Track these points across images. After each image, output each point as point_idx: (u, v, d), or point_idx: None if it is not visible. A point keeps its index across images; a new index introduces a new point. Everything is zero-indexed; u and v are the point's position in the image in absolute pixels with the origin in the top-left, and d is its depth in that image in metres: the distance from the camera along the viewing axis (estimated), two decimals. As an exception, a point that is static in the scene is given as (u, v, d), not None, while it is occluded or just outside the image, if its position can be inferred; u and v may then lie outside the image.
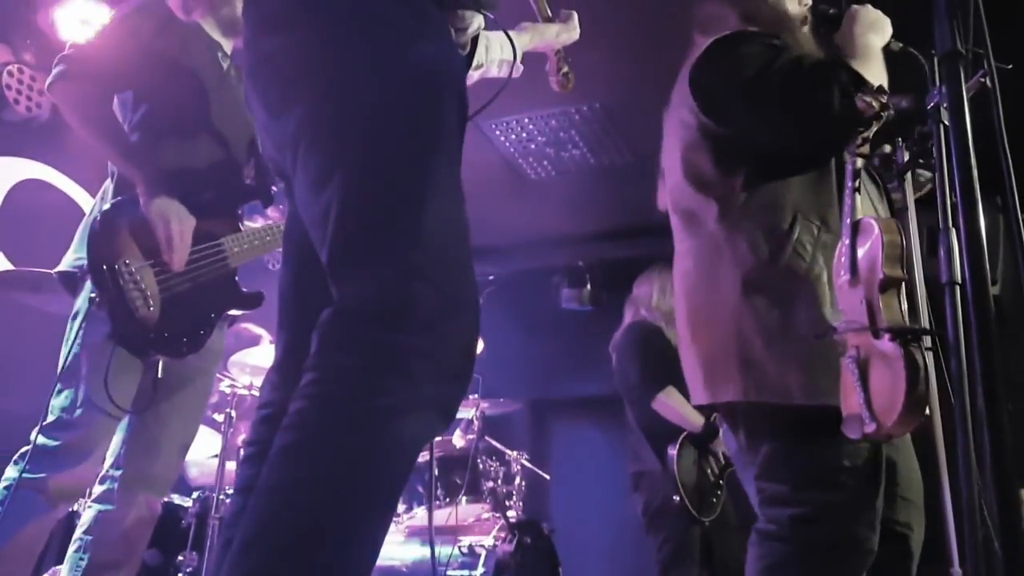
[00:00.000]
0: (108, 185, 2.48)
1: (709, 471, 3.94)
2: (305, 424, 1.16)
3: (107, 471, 2.43)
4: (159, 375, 2.40)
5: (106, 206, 2.35)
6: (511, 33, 1.91)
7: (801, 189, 1.98)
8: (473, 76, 1.93)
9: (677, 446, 3.81)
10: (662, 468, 3.86)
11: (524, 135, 5.34)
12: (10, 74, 4.04)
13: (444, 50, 1.39)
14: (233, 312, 2.53)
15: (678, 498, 3.77)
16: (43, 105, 4.15)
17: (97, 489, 2.42)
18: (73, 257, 2.46)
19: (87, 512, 2.42)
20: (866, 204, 2.10)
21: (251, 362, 3.79)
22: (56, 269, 2.49)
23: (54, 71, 2.35)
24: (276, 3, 1.40)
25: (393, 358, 1.17)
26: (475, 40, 1.62)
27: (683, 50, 2.25)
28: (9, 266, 3.62)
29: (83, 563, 2.32)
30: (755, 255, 1.96)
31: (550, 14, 2.18)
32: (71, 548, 2.37)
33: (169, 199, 2.32)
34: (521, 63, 1.98)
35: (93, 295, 2.27)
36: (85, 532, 2.38)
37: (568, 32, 2.17)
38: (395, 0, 1.36)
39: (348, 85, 1.30)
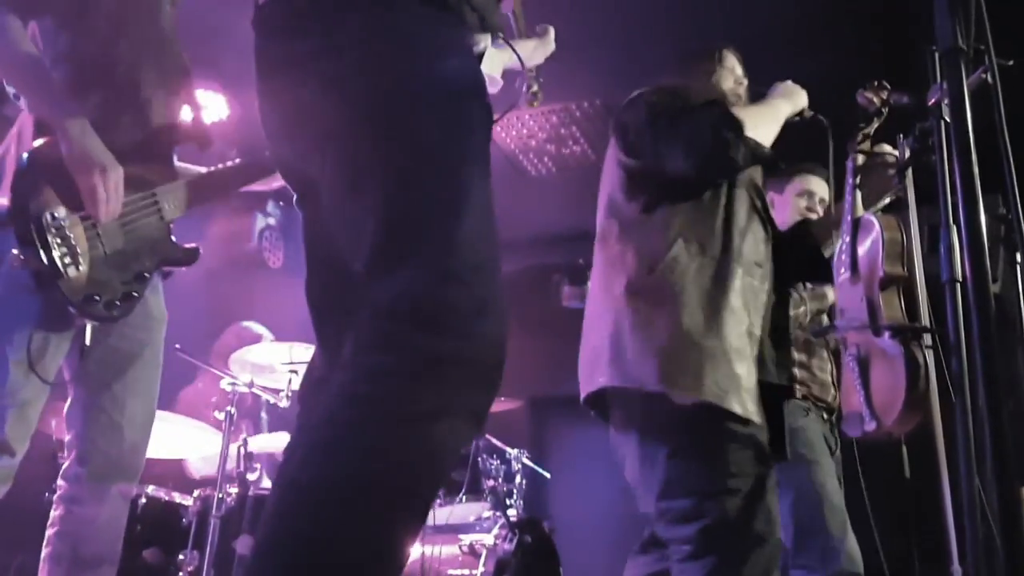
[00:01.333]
0: (25, 120, 2.18)
1: None
2: (337, 423, 1.16)
3: (71, 468, 2.27)
4: (87, 342, 2.16)
5: (33, 146, 2.05)
6: (492, 50, 1.94)
7: (687, 217, 2.22)
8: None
9: None
10: None
11: (525, 131, 5.33)
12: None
13: (466, 61, 1.42)
14: (167, 268, 2.31)
15: None
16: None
17: (63, 485, 2.26)
18: None
19: (56, 510, 2.25)
20: (754, 241, 2.27)
21: (252, 360, 3.78)
22: None
23: None
24: (296, 6, 1.40)
25: (429, 363, 1.16)
26: (480, 57, 1.64)
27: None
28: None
29: (61, 563, 2.19)
30: (638, 266, 2.20)
31: (525, 31, 2.20)
32: (44, 549, 2.22)
33: (95, 143, 2.06)
34: (501, 79, 2.03)
35: (15, 251, 1.99)
36: (58, 533, 2.22)
37: (543, 48, 2.21)
38: (421, 16, 1.37)
39: (377, 93, 1.31)
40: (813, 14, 3.89)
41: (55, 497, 2.29)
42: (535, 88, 2.21)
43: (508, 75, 2.06)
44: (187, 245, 2.31)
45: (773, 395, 2.17)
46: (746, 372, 2.09)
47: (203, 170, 2.40)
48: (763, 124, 2.26)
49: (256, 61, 1.46)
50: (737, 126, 2.17)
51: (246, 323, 4.49)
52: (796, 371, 3.01)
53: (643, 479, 2.14)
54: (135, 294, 2.19)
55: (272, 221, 5.52)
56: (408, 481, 1.15)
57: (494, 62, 2.02)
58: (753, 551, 1.98)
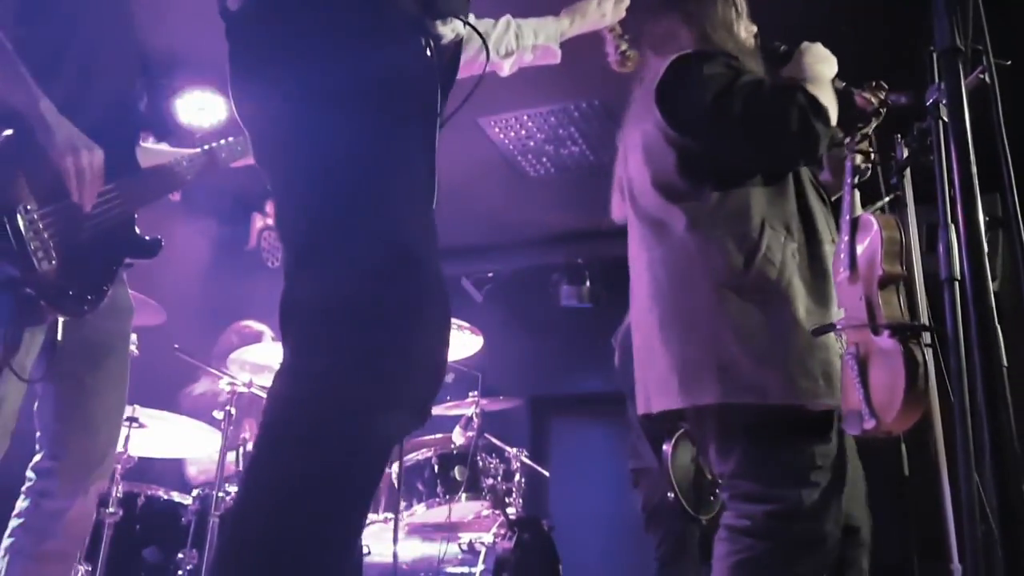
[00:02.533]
0: None
1: (707, 468, 3.94)
2: (276, 425, 1.17)
3: (43, 462, 2.23)
4: (59, 337, 2.13)
5: (1, 136, 1.99)
6: (549, 19, 1.92)
7: (766, 200, 2.04)
8: (505, 65, 1.93)
9: (672, 442, 3.79)
10: (660, 465, 3.86)
11: (523, 132, 5.33)
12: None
13: (403, 55, 1.40)
14: (129, 260, 2.26)
15: (672, 495, 3.77)
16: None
17: (32, 478, 2.24)
18: None
19: (23, 502, 2.22)
20: (825, 219, 2.15)
21: (251, 359, 3.78)
22: None
23: None
24: (250, 9, 1.42)
25: (362, 359, 1.18)
26: (459, 44, 1.63)
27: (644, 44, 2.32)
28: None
29: (21, 554, 2.16)
30: (728, 262, 2.01)
31: None
32: (6, 539, 2.19)
33: (71, 127, 2.02)
34: (559, 48, 1.98)
35: None
36: (23, 526, 2.19)
37: (617, 6, 2.13)
38: (356, 8, 1.37)
39: (305, 92, 1.32)
40: (811, 15, 3.89)
41: (23, 488, 2.25)
42: (623, 48, 2.12)
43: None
44: (148, 236, 2.27)
45: None
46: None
47: (164, 158, 2.35)
48: (833, 104, 2.08)
49: (228, 60, 1.48)
50: (827, 117, 2.00)
51: (246, 322, 4.49)
52: None
53: (720, 460, 2.03)
54: (105, 287, 2.16)
55: (271, 221, 5.52)
56: (351, 475, 1.16)
57: (548, 32, 1.97)
58: (814, 548, 1.91)
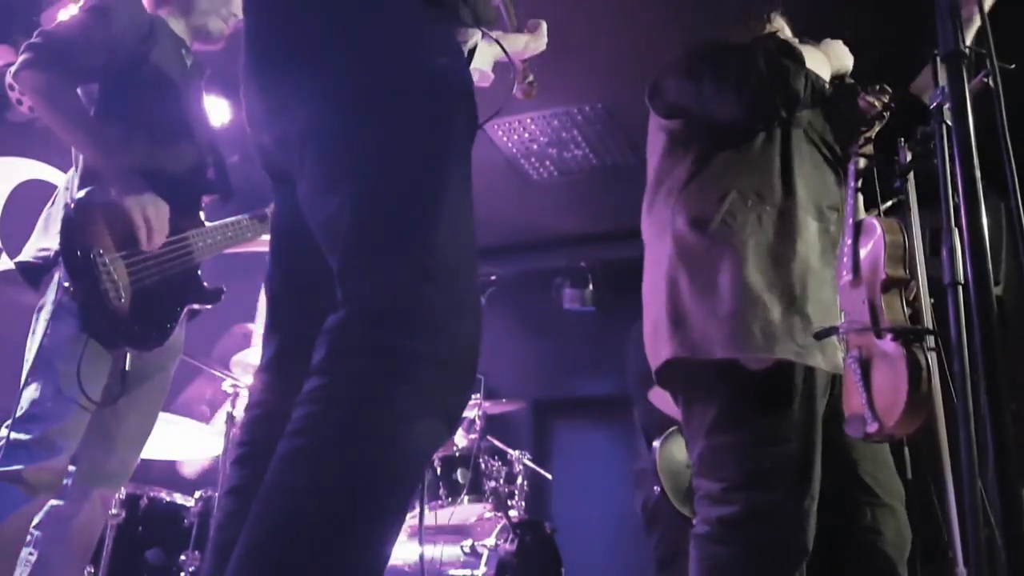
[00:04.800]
0: (73, 174, 2.43)
1: None
2: (314, 429, 1.15)
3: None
4: (127, 368, 2.37)
5: (79, 195, 2.31)
6: (483, 44, 1.93)
7: (740, 169, 2.08)
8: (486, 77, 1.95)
9: (663, 439, 3.77)
10: (649, 459, 3.85)
11: (527, 136, 5.34)
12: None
13: (454, 60, 1.40)
14: (195, 307, 2.52)
15: (659, 489, 3.76)
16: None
17: None
18: (36, 248, 2.41)
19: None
20: (822, 183, 2.15)
21: (253, 362, 3.78)
22: (17, 259, 2.43)
23: (20, 58, 2.30)
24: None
25: (402, 363, 1.16)
26: (472, 52, 1.63)
27: (679, 48, 2.35)
28: (11, 266, 3.63)
29: (32, 558, 2.28)
30: (689, 225, 2.06)
31: (518, 24, 2.19)
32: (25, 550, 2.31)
33: (143, 185, 2.31)
34: (492, 72, 2.02)
35: (67, 284, 2.24)
36: (35, 527, 2.33)
37: (536, 42, 2.20)
38: (411, 11, 1.36)
39: (362, 89, 1.30)
40: (813, 16, 3.89)
41: None
42: (530, 78, 2.18)
43: (500, 70, 2.06)
44: (210, 286, 2.53)
45: None
46: (830, 324, 1.95)
47: (223, 221, 2.62)
48: (820, 63, 2.11)
49: (246, 44, 1.45)
50: (797, 54, 2.02)
51: (243, 324, 4.50)
52: None
53: (692, 425, 2.04)
54: (169, 326, 2.40)
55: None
56: (390, 481, 1.15)
57: (484, 56, 2.02)
58: (778, 552, 1.89)
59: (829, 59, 2.18)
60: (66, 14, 4.00)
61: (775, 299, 1.94)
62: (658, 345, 2.07)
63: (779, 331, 1.93)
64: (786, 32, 2.34)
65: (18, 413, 2.23)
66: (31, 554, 2.29)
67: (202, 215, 2.56)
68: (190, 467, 4.08)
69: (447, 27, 1.42)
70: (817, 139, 2.17)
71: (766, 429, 1.92)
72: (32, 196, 4.12)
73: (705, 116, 2.13)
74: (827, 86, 2.09)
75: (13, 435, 2.21)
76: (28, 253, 2.42)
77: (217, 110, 4.35)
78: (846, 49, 2.27)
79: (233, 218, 2.65)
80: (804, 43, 2.24)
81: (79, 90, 2.38)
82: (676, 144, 2.19)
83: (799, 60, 2.03)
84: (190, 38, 2.64)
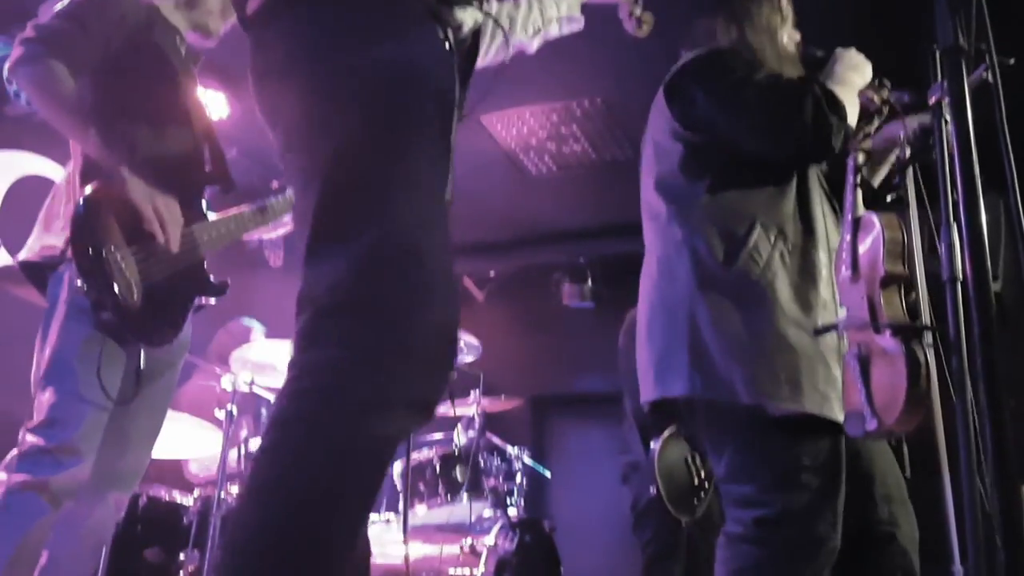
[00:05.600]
0: (73, 168, 2.38)
1: (695, 470, 3.91)
2: (282, 423, 1.18)
3: None
4: (141, 365, 2.35)
5: (87, 190, 2.26)
6: None
7: (762, 200, 2.05)
8: (533, 45, 1.92)
9: (661, 441, 3.75)
10: (647, 460, 3.83)
11: (525, 130, 5.33)
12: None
13: (418, 50, 1.40)
14: (202, 301, 2.49)
15: (654, 489, 3.75)
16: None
17: None
18: (40, 245, 2.36)
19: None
20: (832, 224, 2.15)
21: (252, 358, 3.79)
22: (20, 258, 2.39)
23: (15, 53, 2.26)
24: (265, 15, 1.43)
25: (364, 351, 1.17)
26: (477, 34, 1.62)
27: (685, 44, 2.31)
28: (11, 261, 3.62)
29: (42, 559, 2.24)
30: (711, 256, 2.01)
31: None
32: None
33: (145, 183, 2.27)
34: (581, 14, 1.97)
35: (79, 283, 2.19)
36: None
37: None
38: (369, 3, 1.37)
39: (319, 91, 1.33)
40: (814, 11, 3.89)
41: None
42: (638, 12, 2.00)
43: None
44: (216, 279, 2.50)
45: None
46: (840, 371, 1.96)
47: (224, 214, 2.59)
48: (852, 108, 2.08)
49: (250, 74, 1.48)
50: (843, 111, 1.99)
51: (239, 319, 4.51)
52: None
53: (715, 463, 2.02)
54: (181, 321, 2.40)
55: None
56: (352, 472, 1.16)
57: (568, 4, 1.95)
58: (809, 552, 1.89)
59: (855, 85, 2.13)
60: (61, 5, 3.99)
61: (802, 345, 1.95)
62: (669, 374, 2.03)
63: (805, 379, 1.93)
64: (791, 20, 2.28)
65: (37, 418, 2.18)
66: (41, 555, 2.25)
67: (204, 206, 2.53)
68: (198, 466, 4.07)
69: (417, 14, 1.42)
70: (822, 177, 2.18)
71: (770, 469, 1.94)
72: (31, 191, 4.11)
73: (734, 145, 2.08)
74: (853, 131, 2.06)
75: (35, 441, 2.16)
76: (32, 251, 2.37)
77: (215, 104, 4.35)
78: (861, 56, 2.21)
79: (235, 210, 2.62)
80: (809, 56, 2.22)
81: (76, 82, 2.33)
82: (694, 158, 2.11)
83: (843, 116, 1.99)
84: (185, 27, 2.59)
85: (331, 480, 1.14)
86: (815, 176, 2.15)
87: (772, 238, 2.00)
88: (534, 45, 1.95)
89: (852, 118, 2.07)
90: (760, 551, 1.90)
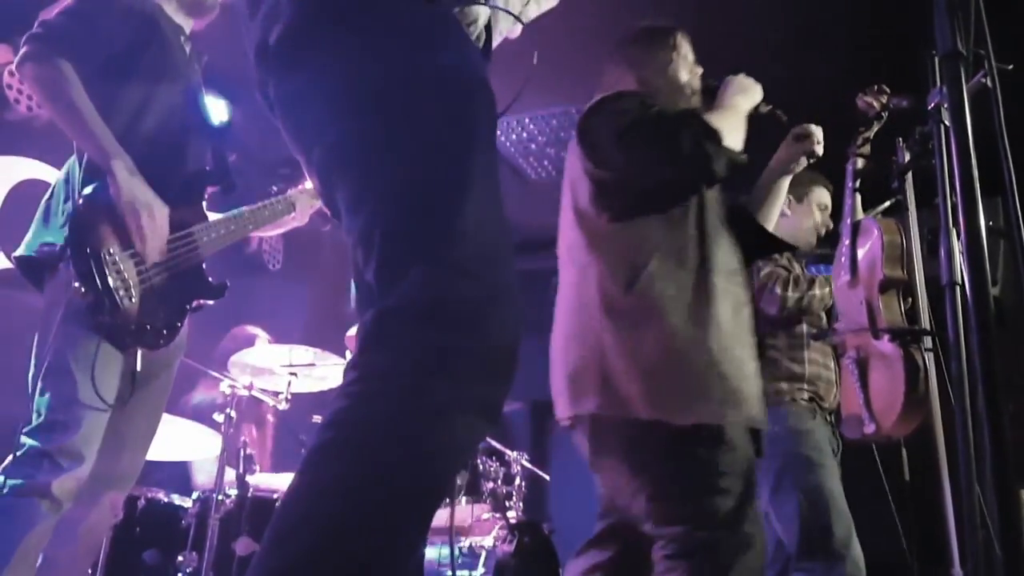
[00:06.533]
0: (74, 166, 2.36)
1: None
2: (346, 423, 1.14)
3: None
4: (138, 367, 2.33)
5: (87, 191, 2.24)
6: None
7: (661, 230, 2.20)
8: (516, 30, 1.91)
9: None
10: None
11: (525, 135, 5.33)
12: (11, 74, 4.03)
13: (468, 54, 1.39)
14: (200, 303, 2.47)
15: None
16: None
17: None
18: (38, 242, 2.32)
19: None
20: (728, 248, 2.26)
21: (251, 363, 3.78)
22: (16, 253, 2.35)
23: (22, 50, 2.25)
24: (296, 22, 1.38)
25: (436, 356, 1.14)
26: (488, 29, 1.61)
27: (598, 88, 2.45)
28: (10, 265, 3.62)
29: (37, 561, 2.20)
30: (614, 283, 2.16)
31: None
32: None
33: (142, 185, 2.26)
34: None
35: (77, 285, 2.17)
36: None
37: None
38: (414, 10, 1.35)
39: (369, 104, 1.30)
40: (813, 18, 3.90)
41: None
42: None
43: (508, 62, 2.01)
44: (214, 280, 2.48)
45: None
46: (743, 380, 2.08)
47: (225, 214, 2.57)
48: (735, 130, 2.24)
49: (273, 87, 1.44)
50: (717, 138, 2.16)
51: (242, 326, 4.50)
52: (808, 368, 2.91)
53: (629, 485, 2.12)
54: (178, 324, 2.38)
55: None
56: (420, 477, 1.13)
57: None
58: (741, 554, 1.97)
59: (740, 107, 2.30)
60: (66, 3, 3.99)
61: (694, 359, 2.06)
62: (579, 394, 2.17)
63: (697, 391, 2.04)
64: (690, 57, 2.45)
65: (36, 421, 2.16)
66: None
67: (204, 206, 2.51)
68: (205, 477, 4.05)
69: (446, 20, 1.40)
70: (721, 203, 2.31)
71: (698, 479, 2.03)
72: (30, 196, 4.11)
73: (633, 181, 2.25)
74: (742, 156, 2.21)
75: (34, 444, 2.14)
76: (29, 247, 2.33)
77: (216, 109, 4.36)
78: (751, 80, 2.38)
79: (235, 211, 2.61)
80: (707, 87, 2.40)
81: (82, 79, 2.31)
82: (601, 192, 2.28)
83: (719, 142, 2.15)
84: (185, 17, 2.57)
85: (395, 486, 1.10)
86: (713, 203, 2.28)
87: (670, 265, 2.15)
88: (531, 13, 1.94)
89: (737, 140, 2.22)
90: (695, 562, 1.96)
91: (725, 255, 2.22)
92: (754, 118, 2.34)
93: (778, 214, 2.51)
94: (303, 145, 1.40)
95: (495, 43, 1.79)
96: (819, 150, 2.40)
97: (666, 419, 2.02)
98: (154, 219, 2.27)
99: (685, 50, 2.46)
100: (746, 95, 2.35)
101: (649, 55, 2.45)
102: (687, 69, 2.44)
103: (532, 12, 1.89)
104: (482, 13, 1.51)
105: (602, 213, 2.25)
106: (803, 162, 2.44)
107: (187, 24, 2.58)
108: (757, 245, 2.44)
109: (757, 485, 2.07)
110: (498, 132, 5.58)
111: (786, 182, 2.51)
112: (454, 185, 1.25)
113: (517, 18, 1.72)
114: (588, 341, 2.16)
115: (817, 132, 2.41)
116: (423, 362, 1.14)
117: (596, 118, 2.30)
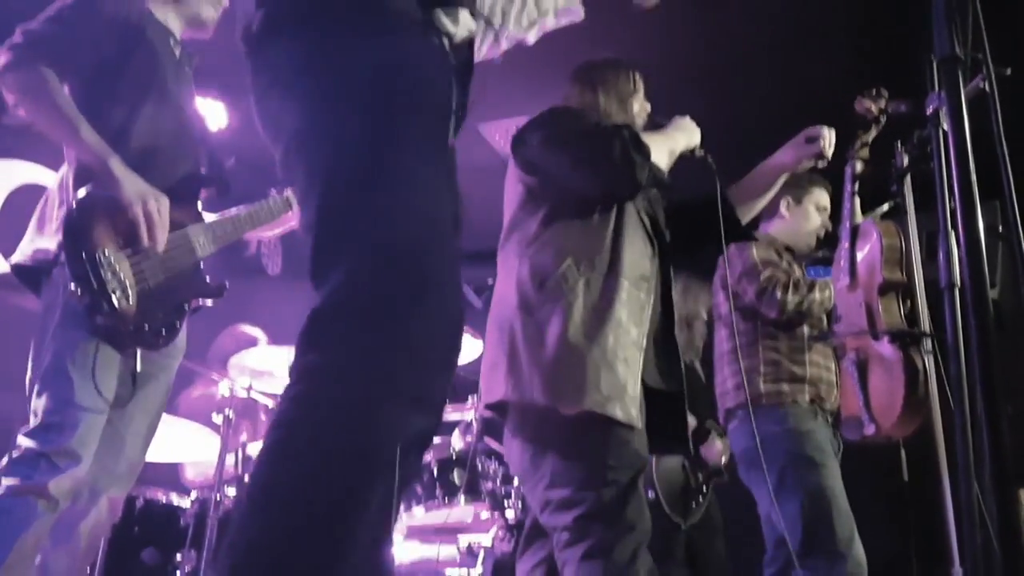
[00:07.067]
0: (66, 172, 2.36)
1: (692, 475, 3.91)
2: (283, 424, 1.18)
3: None
4: (138, 368, 2.35)
5: (80, 193, 2.24)
6: None
7: (579, 235, 2.36)
8: (529, 36, 1.92)
9: None
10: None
11: (523, 138, 5.34)
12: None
13: (412, 57, 1.41)
14: (199, 303, 2.48)
15: (653, 494, 3.75)
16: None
17: None
18: (33, 248, 2.33)
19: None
20: (640, 256, 2.39)
21: (250, 364, 3.79)
22: (13, 261, 2.36)
23: (2, 60, 2.23)
24: (267, 23, 1.43)
25: (360, 354, 1.18)
26: (471, 43, 1.63)
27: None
28: (8, 269, 3.62)
29: (36, 561, 2.23)
30: (530, 281, 2.33)
31: None
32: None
33: (139, 180, 2.26)
34: (580, 6, 1.98)
35: (72, 287, 2.17)
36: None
37: None
38: (361, 15, 1.39)
39: (318, 101, 1.35)
40: (811, 22, 3.91)
41: None
42: None
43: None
44: (213, 280, 2.50)
45: (668, 400, 2.36)
46: (631, 380, 2.22)
47: (222, 215, 2.58)
48: (663, 152, 2.40)
49: (251, 93, 1.48)
50: (645, 150, 2.29)
51: (242, 326, 4.49)
52: (809, 369, 2.94)
53: (531, 473, 2.25)
54: (177, 324, 2.39)
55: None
56: (353, 473, 1.16)
57: None
58: (624, 536, 2.10)
59: (677, 140, 2.48)
60: (49, 9, 3.98)
61: (590, 353, 2.20)
62: (493, 382, 2.32)
63: (589, 383, 2.17)
64: (642, 96, 2.63)
65: (34, 423, 2.17)
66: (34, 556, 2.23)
67: (200, 207, 2.52)
68: (194, 471, 4.06)
69: (400, 25, 1.42)
70: (646, 217, 2.45)
71: (582, 471, 2.17)
72: (29, 199, 4.11)
73: (559, 183, 2.39)
74: (665, 175, 2.39)
75: (32, 445, 2.14)
76: (24, 254, 2.34)
77: (213, 113, 4.35)
78: (693, 124, 2.55)
79: (233, 211, 2.61)
80: (654, 124, 2.56)
81: (67, 87, 2.31)
82: (530, 198, 2.44)
83: (646, 155, 2.31)
84: (180, 27, 2.57)
85: (333, 482, 1.14)
86: (634, 213, 2.41)
87: (580, 268, 2.30)
88: (531, 37, 1.96)
89: (662, 162, 2.39)
90: (586, 545, 2.10)
91: (636, 262, 2.36)
92: (685, 160, 2.51)
93: (760, 208, 2.62)
94: (271, 137, 1.44)
95: (482, 51, 1.81)
96: (829, 153, 2.42)
97: (557, 406, 2.16)
98: (159, 207, 2.28)
99: (639, 84, 2.64)
100: (685, 132, 2.52)
101: (611, 82, 2.61)
102: (638, 103, 2.61)
103: (550, 24, 1.91)
104: (461, 27, 1.53)
105: (530, 218, 2.41)
106: (807, 164, 2.45)
107: (177, 27, 2.57)
108: (727, 231, 2.55)
109: (643, 477, 2.22)
110: (496, 136, 5.59)
111: (781, 180, 2.54)
112: (383, 180, 1.29)
113: (496, 31, 1.75)
114: (504, 334, 2.31)
115: (830, 135, 2.43)
116: (349, 361, 1.18)
117: (533, 128, 2.45)
